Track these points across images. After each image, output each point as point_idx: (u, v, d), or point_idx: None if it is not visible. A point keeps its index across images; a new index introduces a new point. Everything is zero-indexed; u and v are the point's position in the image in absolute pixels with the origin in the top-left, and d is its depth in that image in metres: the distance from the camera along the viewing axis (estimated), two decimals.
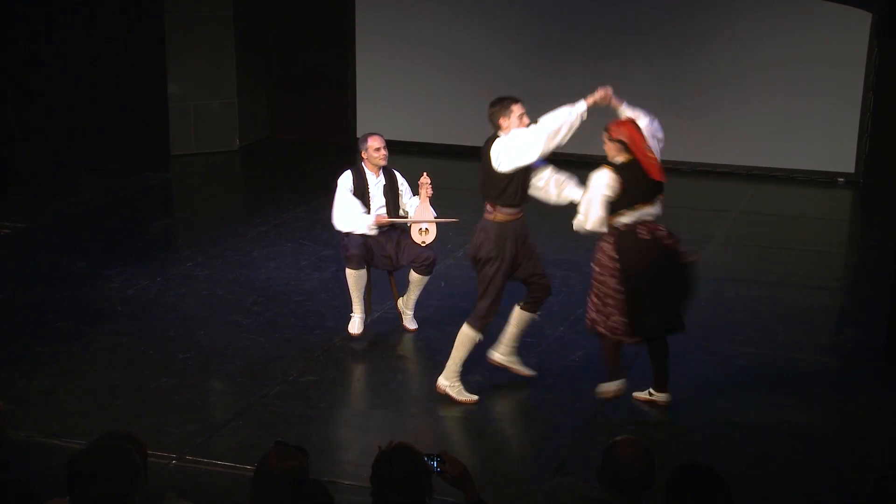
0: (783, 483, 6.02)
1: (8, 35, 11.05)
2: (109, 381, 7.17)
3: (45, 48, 11.09)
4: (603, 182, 6.42)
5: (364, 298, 7.84)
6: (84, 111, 11.98)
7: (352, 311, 7.82)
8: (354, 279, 7.71)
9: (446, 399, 6.91)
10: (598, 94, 6.62)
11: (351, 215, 7.67)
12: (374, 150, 7.72)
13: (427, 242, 7.69)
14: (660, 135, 6.69)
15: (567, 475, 5.89)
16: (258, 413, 6.77)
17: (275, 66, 14.17)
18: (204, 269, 9.32)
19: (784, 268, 9.56)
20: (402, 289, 8.02)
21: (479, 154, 6.71)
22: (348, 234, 7.72)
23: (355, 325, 7.81)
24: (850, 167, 12.39)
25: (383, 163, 7.74)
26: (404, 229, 7.79)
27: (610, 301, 6.48)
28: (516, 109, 6.60)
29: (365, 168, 7.77)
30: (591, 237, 6.60)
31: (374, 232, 7.67)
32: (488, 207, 6.70)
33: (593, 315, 6.59)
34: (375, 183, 7.76)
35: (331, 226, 7.85)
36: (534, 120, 6.59)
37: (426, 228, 7.66)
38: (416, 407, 7.08)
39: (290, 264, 9.45)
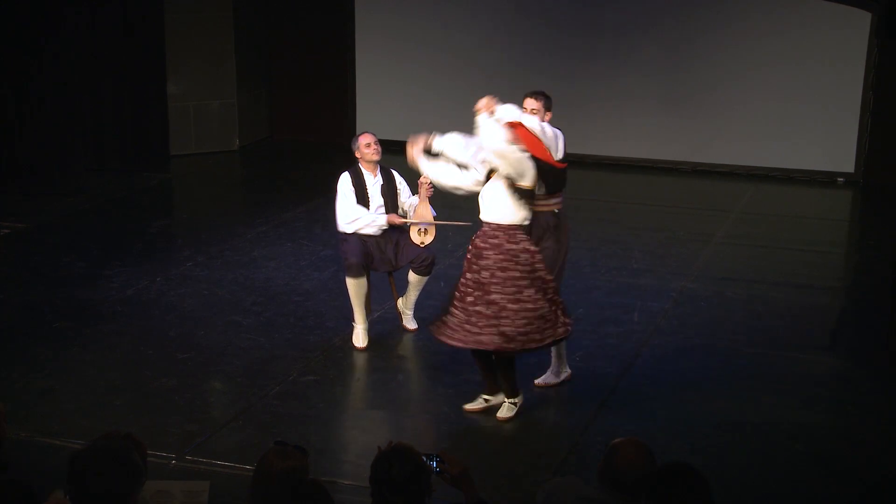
0: (783, 483, 6.02)
1: (8, 35, 11.05)
2: (109, 381, 7.17)
3: (45, 48, 11.10)
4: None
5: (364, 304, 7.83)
6: (84, 111, 11.98)
7: (354, 322, 7.78)
8: (355, 288, 7.68)
9: (445, 399, 6.91)
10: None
11: (357, 216, 7.66)
12: (365, 146, 7.73)
13: (426, 243, 7.69)
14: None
15: (567, 475, 5.89)
16: (258, 413, 6.76)
17: (275, 66, 14.17)
18: (204, 269, 9.32)
19: (784, 268, 9.56)
20: (402, 289, 8.01)
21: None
22: (346, 240, 7.71)
23: (359, 339, 7.74)
24: (849, 167, 12.40)
25: (376, 157, 7.75)
26: (403, 229, 7.79)
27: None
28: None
29: (362, 168, 7.77)
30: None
31: (379, 232, 7.67)
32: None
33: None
34: (373, 183, 7.76)
35: (330, 226, 7.86)
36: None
37: (425, 229, 7.66)
38: (416, 407, 7.08)
39: (290, 264, 9.45)
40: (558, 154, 6.88)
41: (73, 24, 11.47)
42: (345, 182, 7.74)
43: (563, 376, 7.18)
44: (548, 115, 7.03)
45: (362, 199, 7.71)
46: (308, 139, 14.06)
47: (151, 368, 7.34)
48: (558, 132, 6.93)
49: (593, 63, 12.89)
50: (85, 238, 10.16)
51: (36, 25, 11.04)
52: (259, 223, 10.61)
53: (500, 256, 6.37)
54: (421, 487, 3.79)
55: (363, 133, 7.90)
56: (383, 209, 7.75)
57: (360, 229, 7.68)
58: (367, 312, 7.82)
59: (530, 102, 6.99)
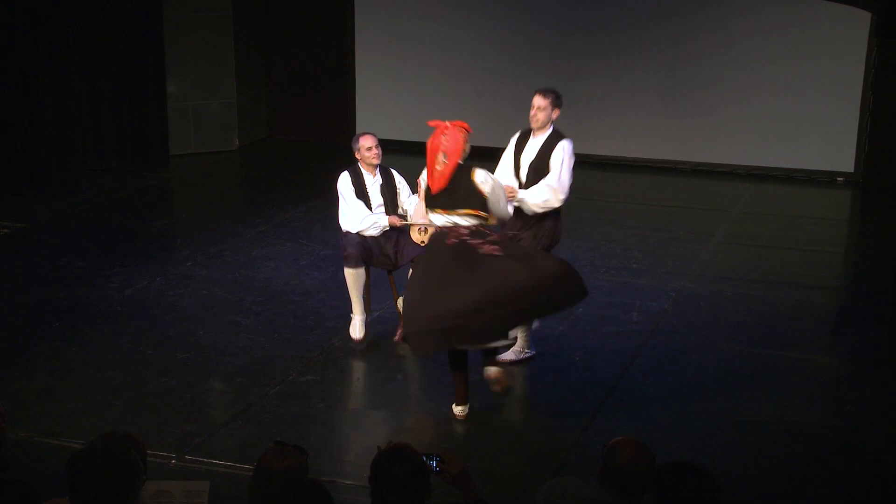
0: (783, 483, 6.02)
1: (7, 35, 11.04)
2: (109, 381, 7.17)
3: (44, 48, 11.08)
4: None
5: (363, 298, 7.83)
6: (83, 111, 11.97)
7: (352, 313, 7.79)
8: (353, 278, 7.69)
9: (445, 399, 6.91)
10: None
11: (361, 217, 7.65)
12: (366, 149, 7.73)
13: (426, 242, 7.68)
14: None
15: (567, 475, 5.89)
16: (257, 413, 6.76)
17: (274, 66, 14.17)
18: (203, 268, 9.32)
19: (784, 268, 9.55)
20: (402, 289, 7.99)
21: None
22: (346, 234, 7.72)
23: (356, 330, 7.74)
24: (849, 167, 12.39)
25: (377, 161, 7.75)
26: (404, 229, 7.79)
27: None
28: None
29: (361, 168, 7.77)
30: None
31: (380, 233, 7.67)
32: None
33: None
34: (372, 182, 7.76)
35: (330, 225, 7.86)
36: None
37: (425, 228, 7.65)
38: (416, 407, 7.08)
39: (290, 264, 9.44)
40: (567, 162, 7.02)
41: (73, 23, 11.46)
42: (344, 182, 7.74)
43: (522, 355, 7.37)
44: (556, 113, 7.05)
45: (362, 198, 7.71)
46: (308, 139, 14.06)
47: (151, 368, 7.34)
48: (564, 146, 7.03)
49: (593, 63, 12.88)
50: (85, 238, 10.16)
51: (36, 25, 11.03)
52: (259, 223, 10.61)
53: None
54: (420, 487, 3.79)
55: (365, 134, 7.85)
56: (382, 209, 7.75)
57: (363, 231, 7.68)
58: (365, 307, 7.82)
59: (537, 100, 7.02)
